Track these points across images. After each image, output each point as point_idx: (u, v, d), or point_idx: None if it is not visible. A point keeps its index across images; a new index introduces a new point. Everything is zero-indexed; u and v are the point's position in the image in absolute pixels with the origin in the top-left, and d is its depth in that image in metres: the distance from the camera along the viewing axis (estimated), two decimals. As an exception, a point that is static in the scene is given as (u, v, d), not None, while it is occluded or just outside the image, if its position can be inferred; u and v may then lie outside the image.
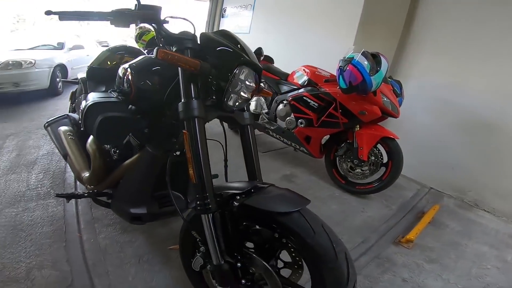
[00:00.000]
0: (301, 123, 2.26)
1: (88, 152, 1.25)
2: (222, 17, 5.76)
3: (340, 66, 1.93)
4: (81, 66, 4.62)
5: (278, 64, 3.04)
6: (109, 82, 1.32)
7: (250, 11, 4.89)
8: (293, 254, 0.84)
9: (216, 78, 0.84)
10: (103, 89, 1.34)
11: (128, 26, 0.81)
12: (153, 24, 0.84)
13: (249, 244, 0.90)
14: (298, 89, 2.37)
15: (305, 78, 2.34)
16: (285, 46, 4.16)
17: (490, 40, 2.19)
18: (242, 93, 0.87)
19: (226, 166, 1.10)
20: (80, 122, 1.30)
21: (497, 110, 2.19)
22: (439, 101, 2.50)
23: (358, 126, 2.03)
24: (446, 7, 2.43)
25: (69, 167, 1.52)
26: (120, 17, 0.78)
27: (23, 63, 3.62)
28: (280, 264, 0.89)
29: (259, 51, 2.94)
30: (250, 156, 1.00)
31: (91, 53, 5.45)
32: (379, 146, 2.07)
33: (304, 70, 2.41)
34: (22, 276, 1.16)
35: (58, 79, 4.23)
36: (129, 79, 1.06)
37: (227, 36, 0.90)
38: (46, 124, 1.54)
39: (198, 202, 0.81)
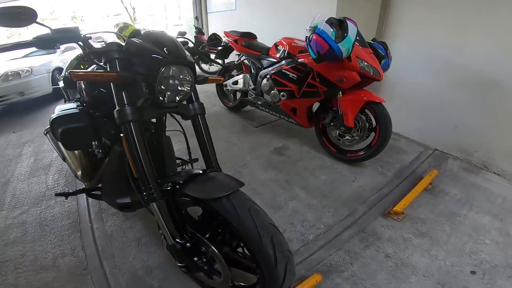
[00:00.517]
0: (283, 96, 2.29)
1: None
2: (209, -5, 5.53)
3: (306, 36, 1.88)
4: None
5: (267, 38, 2.96)
6: None
7: (235, -14, 4.66)
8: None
9: (146, 80, 0.91)
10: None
11: (54, 48, 0.90)
12: (79, 43, 0.90)
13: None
14: (278, 62, 2.36)
15: (283, 50, 2.31)
16: (271, 19, 4.03)
17: None
18: (180, 88, 0.94)
19: (189, 153, 1.20)
20: None
21: (501, 66, 1.95)
22: (435, 59, 2.33)
23: (340, 92, 2.01)
24: None
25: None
26: (43, 43, 0.85)
27: (21, 72, 3.72)
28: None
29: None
30: (203, 144, 1.07)
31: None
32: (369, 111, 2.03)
33: (282, 42, 2.37)
34: (50, 264, 1.40)
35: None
36: (82, 88, 1.16)
37: (157, 38, 0.95)
38: (45, 131, 1.71)
39: (144, 193, 0.92)
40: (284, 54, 2.32)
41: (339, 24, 1.79)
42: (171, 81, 0.91)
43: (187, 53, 1.00)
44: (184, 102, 1.03)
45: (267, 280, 0.85)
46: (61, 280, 1.31)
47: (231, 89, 3.01)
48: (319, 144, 2.35)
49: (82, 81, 1.18)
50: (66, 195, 1.36)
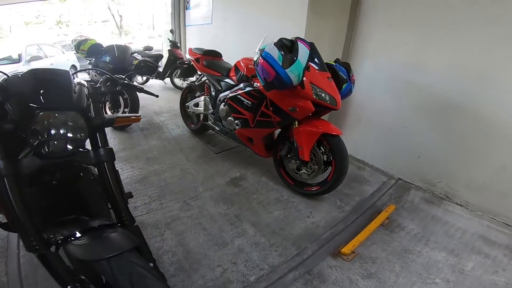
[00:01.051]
0: (237, 125, 2.11)
1: None
2: (187, 9, 5.44)
3: (254, 61, 1.70)
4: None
5: (239, 55, 2.79)
6: None
7: (210, -1, 4.57)
8: None
9: (21, 131, 0.82)
10: None
11: None
12: None
13: None
14: (237, 85, 2.19)
15: (241, 73, 2.15)
16: (243, 36, 3.89)
17: (451, 10, 1.87)
18: (70, 134, 0.86)
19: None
20: None
21: (463, 90, 1.88)
22: (399, 80, 2.24)
23: (296, 123, 1.84)
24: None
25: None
26: None
27: None
28: None
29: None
30: (111, 196, 0.98)
31: (56, 62, 5.30)
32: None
33: (240, 64, 2.20)
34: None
35: None
36: None
37: (39, 76, 0.87)
38: None
39: (26, 243, 0.85)
40: (242, 77, 2.15)
41: (291, 46, 1.62)
42: (53, 131, 0.84)
43: (83, 92, 0.91)
44: (88, 149, 0.96)
45: None
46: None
47: (192, 111, 2.82)
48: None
49: None
50: None
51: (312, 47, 1.75)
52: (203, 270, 1.43)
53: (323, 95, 1.72)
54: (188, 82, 3.98)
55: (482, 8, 1.74)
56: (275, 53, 1.53)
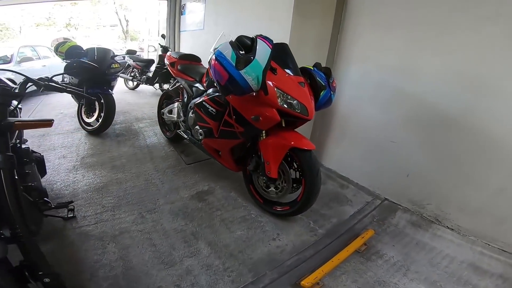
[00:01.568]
0: (201, 134, 1.92)
1: None
2: (182, 14, 5.38)
3: (208, 61, 1.50)
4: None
5: None
6: None
7: (203, 4, 4.48)
8: None
9: None
10: None
11: None
12: None
13: None
14: (205, 91, 2.01)
15: (210, 77, 1.97)
16: (232, 39, 3.75)
17: (444, 9, 1.69)
18: None
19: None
20: None
21: (458, 99, 1.67)
22: (387, 88, 2.04)
23: (263, 134, 1.64)
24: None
25: None
26: None
27: None
28: None
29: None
30: (5, 206, 0.92)
31: (49, 64, 5.27)
32: None
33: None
34: None
35: None
36: None
37: None
38: None
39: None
40: (211, 81, 1.95)
41: (251, 45, 1.41)
42: None
43: None
44: None
45: None
46: None
47: (167, 119, 2.66)
48: (248, 191, 1.97)
49: None
50: None
51: (282, 47, 1.57)
52: (140, 291, 1.23)
53: (292, 102, 1.49)
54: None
55: (478, 4, 1.54)
56: (229, 53, 1.33)
